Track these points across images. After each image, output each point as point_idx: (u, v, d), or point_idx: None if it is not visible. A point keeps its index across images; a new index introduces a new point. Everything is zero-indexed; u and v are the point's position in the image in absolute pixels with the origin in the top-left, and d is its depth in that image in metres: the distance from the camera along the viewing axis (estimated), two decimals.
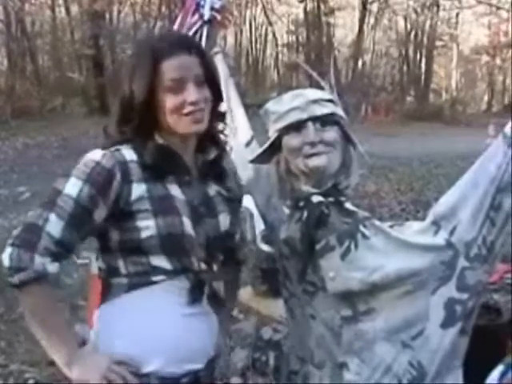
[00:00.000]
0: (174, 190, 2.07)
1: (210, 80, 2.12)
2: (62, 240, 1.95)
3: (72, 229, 1.96)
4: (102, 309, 2.13)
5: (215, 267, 2.17)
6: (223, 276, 2.25)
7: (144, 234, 2.00)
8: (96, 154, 2.01)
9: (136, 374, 2.03)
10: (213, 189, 2.20)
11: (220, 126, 2.26)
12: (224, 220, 2.19)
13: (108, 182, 1.98)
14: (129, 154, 2.03)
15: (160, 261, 2.03)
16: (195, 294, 2.10)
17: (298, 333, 2.33)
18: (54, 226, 1.94)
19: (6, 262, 1.93)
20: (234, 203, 2.27)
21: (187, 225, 2.05)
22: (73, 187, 1.96)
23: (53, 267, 1.96)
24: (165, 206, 2.03)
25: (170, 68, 2.02)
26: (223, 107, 2.28)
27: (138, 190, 2.00)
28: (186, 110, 2.04)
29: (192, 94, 2.04)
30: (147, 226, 1.99)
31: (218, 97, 2.18)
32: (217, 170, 2.23)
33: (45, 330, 2.00)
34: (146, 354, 2.05)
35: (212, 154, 2.20)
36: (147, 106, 2.02)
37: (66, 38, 34.69)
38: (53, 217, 1.94)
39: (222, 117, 2.27)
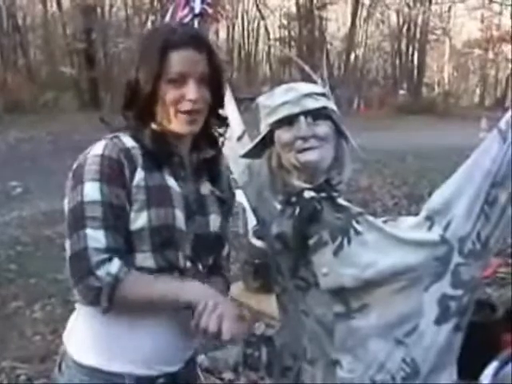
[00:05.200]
0: (171, 182, 2.04)
1: (214, 81, 2.09)
2: (108, 247, 1.89)
3: (113, 231, 1.92)
4: (79, 308, 2.10)
5: (200, 267, 2.15)
6: (209, 276, 2.21)
7: (134, 226, 1.96)
8: (97, 149, 1.96)
9: (110, 373, 2.02)
10: (206, 188, 2.18)
11: (221, 130, 2.23)
12: (214, 221, 2.17)
13: (120, 171, 1.94)
14: (128, 141, 2.00)
15: (145, 259, 1.98)
16: None
17: (290, 329, 2.32)
18: (95, 238, 1.88)
19: (86, 302, 1.92)
20: (225, 206, 2.25)
21: (179, 218, 2.02)
22: (93, 192, 1.90)
23: (115, 267, 1.89)
24: (159, 197, 1.99)
25: (177, 60, 2.00)
26: (225, 111, 2.25)
27: (138, 176, 1.97)
28: (183, 107, 2.01)
29: (192, 91, 2.01)
30: (139, 218, 1.96)
31: (218, 99, 2.15)
32: (212, 170, 2.21)
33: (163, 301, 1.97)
34: (121, 357, 2.03)
35: (208, 154, 2.18)
36: (150, 94, 1.99)
37: (57, 33, 34.73)
38: (89, 231, 1.88)
39: (223, 121, 2.23)
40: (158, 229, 1.97)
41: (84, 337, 2.06)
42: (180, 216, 2.02)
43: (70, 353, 2.07)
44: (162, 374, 2.08)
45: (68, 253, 1.91)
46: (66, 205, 1.96)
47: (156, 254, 2.00)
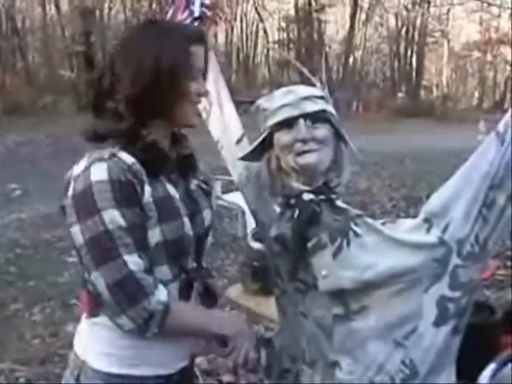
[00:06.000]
0: (172, 191, 2.03)
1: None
2: (146, 267, 1.91)
3: (143, 251, 1.92)
4: (94, 322, 2.08)
5: (204, 264, 2.17)
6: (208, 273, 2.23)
7: (151, 243, 1.96)
8: (100, 173, 1.88)
9: (132, 376, 2.05)
10: (193, 183, 2.19)
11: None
12: (207, 215, 2.19)
13: (133, 191, 1.91)
14: (127, 157, 1.94)
15: (162, 272, 2.00)
16: (183, 296, 2.08)
17: (289, 331, 2.32)
18: (135, 263, 1.88)
19: (134, 326, 1.91)
20: (211, 196, 2.26)
21: (187, 225, 2.03)
22: (116, 219, 1.87)
23: (164, 294, 1.94)
24: (168, 210, 1.99)
25: (196, 55, 2.01)
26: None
27: (147, 193, 1.94)
28: (195, 99, 2.04)
29: (204, 85, 2.05)
30: (153, 234, 1.95)
31: None
32: (193, 163, 2.22)
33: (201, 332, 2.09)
34: (142, 362, 2.05)
35: (188, 149, 2.19)
36: (170, 88, 1.97)
37: (56, 35, 34.74)
38: (127, 257, 1.87)
39: None
40: (172, 242, 1.98)
41: (104, 347, 2.06)
42: (188, 223, 2.03)
43: (89, 363, 2.07)
44: (177, 371, 2.13)
45: (105, 282, 1.88)
46: (79, 235, 1.90)
47: (171, 265, 2.02)
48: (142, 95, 1.96)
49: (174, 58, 1.96)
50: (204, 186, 2.23)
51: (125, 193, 1.89)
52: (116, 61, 2.02)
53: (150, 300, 1.88)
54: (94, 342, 2.10)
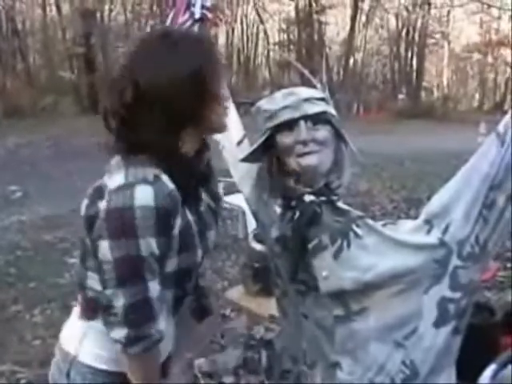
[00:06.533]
0: (189, 216, 2.00)
1: None
2: (162, 294, 1.92)
3: (159, 277, 1.92)
4: (90, 325, 2.09)
5: (201, 282, 2.18)
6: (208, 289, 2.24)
7: (166, 271, 1.96)
8: (147, 198, 1.83)
9: (121, 373, 2.05)
10: (204, 204, 2.15)
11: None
12: (212, 236, 2.16)
13: (170, 220, 1.88)
14: (168, 181, 1.89)
15: (168, 295, 2.01)
16: (174, 310, 2.10)
17: (290, 332, 2.32)
18: (154, 288, 1.88)
19: (120, 337, 1.89)
20: (218, 215, 2.24)
21: (199, 254, 2.04)
22: (151, 246, 1.84)
23: (164, 324, 1.94)
24: (188, 241, 1.98)
25: (216, 58, 2.01)
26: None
27: (177, 224, 1.92)
28: (224, 102, 2.04)
29: (226, 89, 2.07)
30: (171, 263, 1.96)
31: None
32: (209, 181, 2.18)
33: None
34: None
35: (207, 163, 2.16)
36: (210, 94, 1.97)
37: (56, 37, 34.74)
38: (150, 284, 1.87)
39: None
40: (185, 270, 2.00)
41: (98, 347, 2.07)
42: (200, 252, 2.04)
43: (83, 360, 2.08)
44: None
45: (123, 301, 1.86)
46: (107, 250, 1.85)
47: (177, 289, 2.03)
48: (178, 103, 1.90)
49: (203, 63, 1.93)
50: (212, 204, 2.19)
51: (165, 222, 1.86)
52: (139, 75, 1.91)
53: (151, 325, 1.89)
54: (88, 342, 2.10)
